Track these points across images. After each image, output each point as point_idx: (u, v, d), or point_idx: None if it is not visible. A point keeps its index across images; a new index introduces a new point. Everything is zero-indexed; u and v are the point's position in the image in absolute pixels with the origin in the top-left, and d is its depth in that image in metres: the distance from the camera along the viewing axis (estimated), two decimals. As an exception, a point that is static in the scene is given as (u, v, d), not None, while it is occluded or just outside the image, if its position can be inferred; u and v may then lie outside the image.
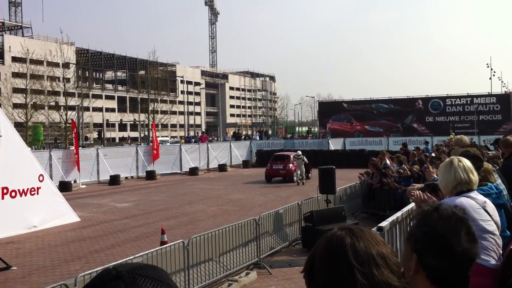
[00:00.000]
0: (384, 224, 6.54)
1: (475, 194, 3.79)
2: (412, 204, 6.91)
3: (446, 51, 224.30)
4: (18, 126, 41.75)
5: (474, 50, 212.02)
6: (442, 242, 1.73)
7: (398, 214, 7.40)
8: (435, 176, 7.16)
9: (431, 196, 4.99)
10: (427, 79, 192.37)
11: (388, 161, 17.66)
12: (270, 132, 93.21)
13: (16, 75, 60.30)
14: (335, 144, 42.03)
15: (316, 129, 78.99)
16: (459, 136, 8.83)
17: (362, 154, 34.31)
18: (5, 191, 15.55)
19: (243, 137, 61.30)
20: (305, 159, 27.74)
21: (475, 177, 3.83)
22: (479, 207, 3.61)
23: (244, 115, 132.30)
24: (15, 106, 57.79)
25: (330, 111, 61.31)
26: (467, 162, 3.90)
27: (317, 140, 48.37)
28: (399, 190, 15.46)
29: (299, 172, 27.55)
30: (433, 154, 17.43)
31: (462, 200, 3.56)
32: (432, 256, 1.70)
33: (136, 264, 1.14)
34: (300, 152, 28.86)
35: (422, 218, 1.85)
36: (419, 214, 1.93)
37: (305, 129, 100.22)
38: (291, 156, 29.53)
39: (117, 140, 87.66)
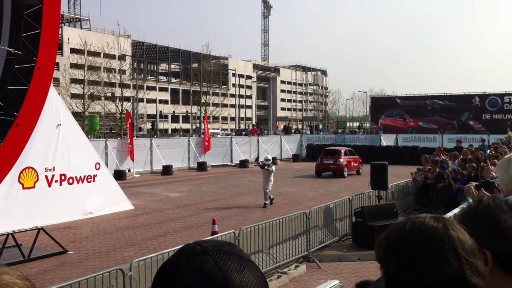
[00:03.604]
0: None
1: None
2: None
3: (506, 46, 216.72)
4: (75, 115, 43.03)
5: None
6: (495, 222, 1.70)
7: (456, 211, 7.25)
8: (494, 174, 6.96)
9: (486, 194, 4.88)
10: (484, 75, 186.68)
11: (443, 158, 17.31)
12: (320, 126, 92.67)
13: (74, 66, 62.26)
14: (387, 140, 41.39)
15: (367, 125, 77.96)
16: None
17: (415, 151, 33.64)
18: (63, 177, 16.13)
19: (292, 131, 61.23)
20: (273, 169, 19.10)
21: None
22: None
23: (295, 109, 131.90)
24: (73, 96, 59.66)
25: (383, 106, 60.28)
26: None
27: (369, 135, 47.76)
28: (454, 188, 15.12)
29: (266, 188, 18.64)
30: (488, 152, 16.95)
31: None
32: (499, 243, 1.68)
33: (217, 240, 1.15)
34: (269, 157, 20.17)
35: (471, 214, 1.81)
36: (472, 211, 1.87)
37: (356, 124, 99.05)
38: (342, 151, 29.29)
39: (169, 132, 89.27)
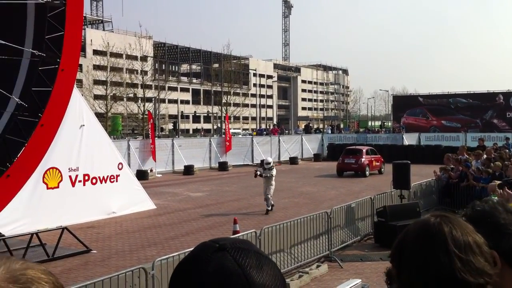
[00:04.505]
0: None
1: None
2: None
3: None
4: (98, 116, 43.52)
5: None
6: (494, 221, 1.72)
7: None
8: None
9: (510, 192, 4.84)
10: (509, 73, 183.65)
11: (466, 157, 17.11)
12: (342, 126, 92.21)
13: (97, 67, 62.88)
14: (409, 139, 41.00)
15: (389, 124, 77.30)
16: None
17: (438, 150, 33.28)
18: (86, 178, 16.32)
19: (312, 130, 61.02)
20: (274, 173, 17.67)
21: None
22: None
23: (316, 109, 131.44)
24: (96, 97, 60.38)
25: (405, 105, 59.77)
26: None
27: (391, 134, 47.35)
28: (477, 188, 14.93)
29: (268, 193, 17.45)
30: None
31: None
32: (503, 241, 1.68)
33: (233, 238, 1.15)
34: (270, 160, 18.45)
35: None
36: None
37: (378, 123, 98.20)
38: (364, 150, 29.08)
39: (191, 132, 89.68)
